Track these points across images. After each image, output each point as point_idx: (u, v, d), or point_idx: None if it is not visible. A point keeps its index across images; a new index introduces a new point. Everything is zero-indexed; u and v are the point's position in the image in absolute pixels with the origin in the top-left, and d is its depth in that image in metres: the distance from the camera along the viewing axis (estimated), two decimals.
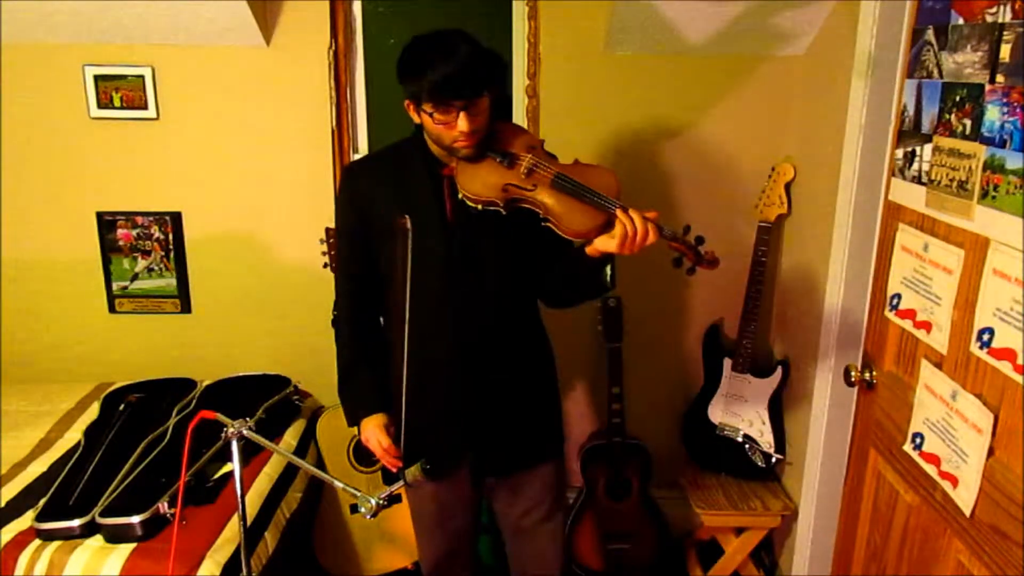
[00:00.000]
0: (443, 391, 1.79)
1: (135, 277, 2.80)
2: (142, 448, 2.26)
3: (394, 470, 1.80)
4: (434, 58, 1.51)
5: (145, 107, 2.63)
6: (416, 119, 1.63)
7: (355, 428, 1.87)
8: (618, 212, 1.53)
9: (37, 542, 1.89)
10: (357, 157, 2.70)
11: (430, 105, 1.54)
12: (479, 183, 1.61)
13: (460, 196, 1.63)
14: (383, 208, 1.71)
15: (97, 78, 2.60)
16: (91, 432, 2.39)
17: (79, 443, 2.35)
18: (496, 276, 1.74)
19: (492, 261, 1.73)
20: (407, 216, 1.57)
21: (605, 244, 1.56)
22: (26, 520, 1.97)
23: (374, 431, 1.79)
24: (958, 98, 1.45)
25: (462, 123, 1.54)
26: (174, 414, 2.47)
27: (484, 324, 1.76)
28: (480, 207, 1.62)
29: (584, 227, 1.57)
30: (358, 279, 1.82)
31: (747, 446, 2.62)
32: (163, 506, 1.96)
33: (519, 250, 1.75)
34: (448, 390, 1.79)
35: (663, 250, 1.64)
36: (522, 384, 1.84)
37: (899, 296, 1.69)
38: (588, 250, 1.60)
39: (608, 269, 1.68)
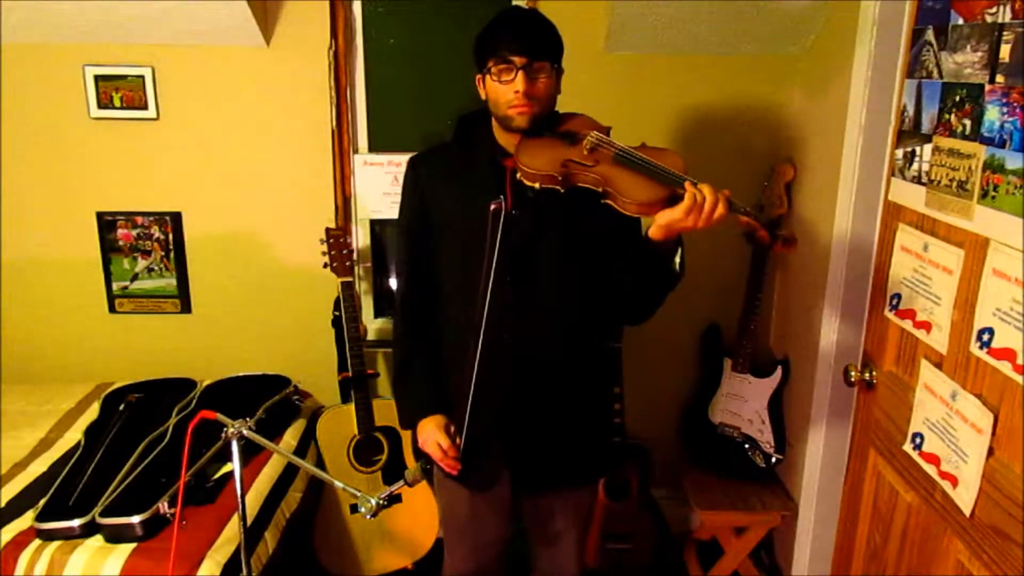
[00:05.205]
0: (492, 396, 1.68)
1: (135, 277, 2.80)
2: (142, 448, 2.26)
3: (453, 472, 1.68)
4: (505, 20, 1.62)
5: (145, 107, 2.63)
6: (483, 95, 1.63)
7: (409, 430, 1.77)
8: (687, 184, 1.45)
9: (37, 542, 1.89)
10: (357, 157, 2.70)
11: (492, 62, 1.56)
12: (538, 158, 1.56)
13: (518, 176, 1.57)
14: (443, 200, 1.70)
15: (97, 78, 2.60)
16: (91, 432, 2.39)
17: (79, 443, 2.35)
18: (555, 273, 1.67)
19: (552, 257, 1.66)
20: (501, 199, 1.53)
21: (669, 216, 1.44)
22: (26, 520, 1.97)
23: (433, 432, 1.68)
24: (958, 98, 1.45)
25: (519, 81, 1.54)
26: (174, 414, 2.47)
27: (539, 326, 1.68)
28: (538, 186, 1.55)
29: (646, 198, 1.46)
30: (416, 274, 1.78)
31: (747, 446, 2.62)
32: (163, 506, 1.95)
33: (581, 248, 1.67)
34: (497, 396, 1.68)
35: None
36: (571, 403, 1.77)
37: (899, 296, 1.69)
38: (652, 232, 1.49)
39: (677, 257, 1.56)
